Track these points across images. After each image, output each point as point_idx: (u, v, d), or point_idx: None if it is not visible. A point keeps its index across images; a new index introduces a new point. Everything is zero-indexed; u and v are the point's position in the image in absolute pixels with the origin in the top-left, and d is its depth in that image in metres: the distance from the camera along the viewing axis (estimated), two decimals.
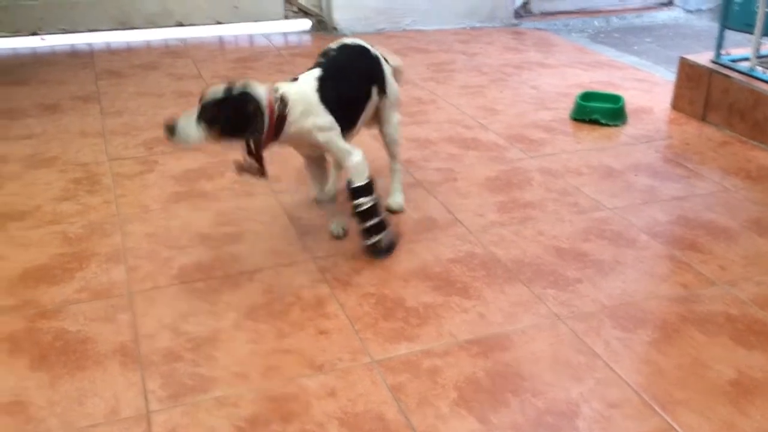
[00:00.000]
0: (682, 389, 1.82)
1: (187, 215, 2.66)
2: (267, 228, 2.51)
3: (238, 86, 2.11)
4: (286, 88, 2.21)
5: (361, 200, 2.27)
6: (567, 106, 3.75)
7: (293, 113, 2.17)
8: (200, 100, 2.10)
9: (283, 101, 2.16)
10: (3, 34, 4.81)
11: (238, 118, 2.09)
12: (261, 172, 2.20)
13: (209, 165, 3.01)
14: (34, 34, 4.88)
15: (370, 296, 2.18)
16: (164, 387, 1.80)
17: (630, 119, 3.62)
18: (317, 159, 2.46)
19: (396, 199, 2.70)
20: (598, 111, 3.57)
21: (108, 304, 2.13)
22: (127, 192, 2.83)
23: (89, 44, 4.87)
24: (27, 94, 3.91)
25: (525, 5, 5.95)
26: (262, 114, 2.11)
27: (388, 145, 2.65)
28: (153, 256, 2.39)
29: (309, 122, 2.21)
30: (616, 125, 3.55)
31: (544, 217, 2.66)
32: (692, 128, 3.55)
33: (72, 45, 4.85)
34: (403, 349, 1.95)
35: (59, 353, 1.92)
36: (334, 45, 2.48)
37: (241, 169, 2.19)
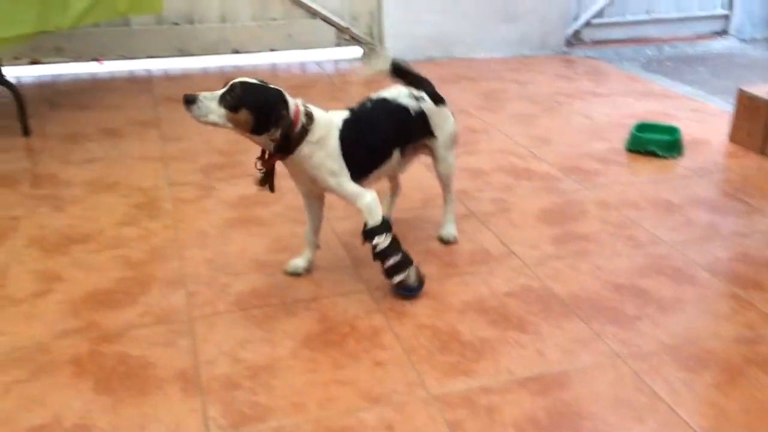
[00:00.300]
0: None
1: (244, 241, 2.70)
2: (322, 256, 2.53)
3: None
4: (314, 109, 2.24)
5: (378, 240, 2.22)
6: (621, 136, 3.72)
7: (315, 133, 2.19)
8: (226, 82, 2.11)
9: (309, 116, 2.19)
10: (65, 60, 4.99)
11: (264, 109, 2.09)
12: (270, 183, 2.25)
13: (264, 191, 3.05)
14: (94, 59, 5.04)
15: (425, 328, 2.18)
16: (225, 415, 1.82)
17: (686, 151, 3.57)
18: (316, 201, 2.45)
19: (449, 230, 2.70)
20: (654, 142, 3.52)
21: (169, 329, 2.17)
22: (185, 217, 2.89)
23: (147, 70, 5.02)
24: (89, 118, 4.04)
25: (576, 33, 5.93)
26: (287, 112, 2.12)
27: (441, 179, 2.66)
28: (211, 281, 2.43)
29: (321, 155, 2.20)
30: (672, 157, 3.49)
31: (601, 251, 2.62)
32: (751, 161, 3.47)
33: (130, 71, 5.01)
34: (460, 384, 1.94)
35: (122, 377, 1.96)
36: (374, 96, 2.47)
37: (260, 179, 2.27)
